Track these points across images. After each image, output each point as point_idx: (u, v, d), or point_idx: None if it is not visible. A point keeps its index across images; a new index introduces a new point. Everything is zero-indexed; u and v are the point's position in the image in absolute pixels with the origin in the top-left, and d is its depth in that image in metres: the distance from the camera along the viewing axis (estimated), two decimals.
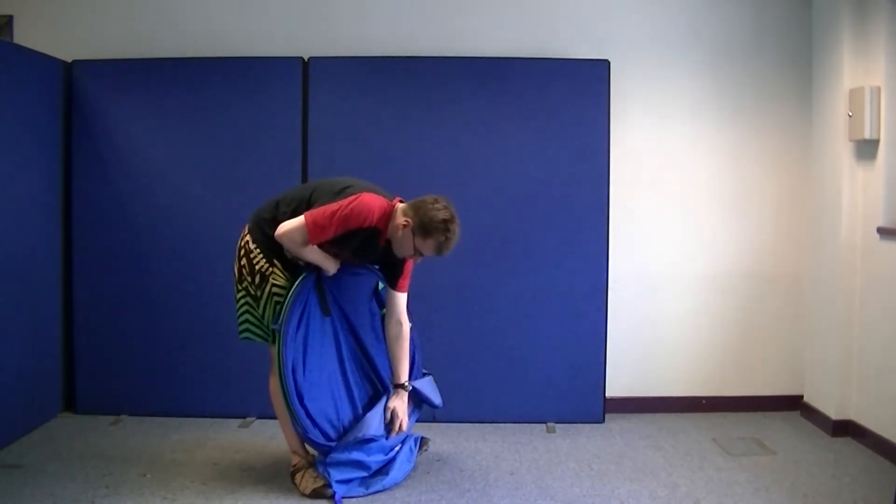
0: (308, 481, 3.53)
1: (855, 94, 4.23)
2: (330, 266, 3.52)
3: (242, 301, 3.56)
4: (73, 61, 4.58)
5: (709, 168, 4.80)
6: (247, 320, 3.58)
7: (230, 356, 4.54)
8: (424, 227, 3.35)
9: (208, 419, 4.52)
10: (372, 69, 4.58)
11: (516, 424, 4.52)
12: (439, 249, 3.38)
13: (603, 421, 4.59)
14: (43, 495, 3.46)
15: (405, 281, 3.65)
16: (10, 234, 4.09)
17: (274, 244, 3.47)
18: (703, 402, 4.80)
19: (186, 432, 4.35)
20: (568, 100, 4.54)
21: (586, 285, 4.55)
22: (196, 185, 4.57)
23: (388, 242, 3.47)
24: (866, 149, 4.27)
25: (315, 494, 3.49)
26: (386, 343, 3.72)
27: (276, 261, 3.50)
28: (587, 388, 4.58)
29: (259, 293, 3.51)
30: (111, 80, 4.57)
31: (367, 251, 3.51)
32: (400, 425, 3.64)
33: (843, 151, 4.35)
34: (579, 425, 4.52)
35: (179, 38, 4.73)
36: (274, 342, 3.50)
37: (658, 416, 4.71)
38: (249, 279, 3.52)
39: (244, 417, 4.58)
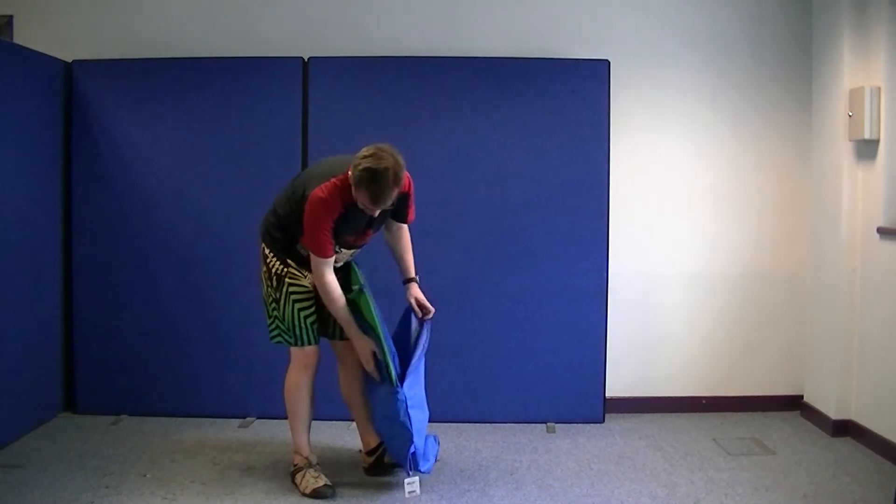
0: (308, 481, 3.53)
1: (855, 94, 4.23)
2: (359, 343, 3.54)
3: (272, 307, 3.60)
4: (73, 61, 4.58)
5: (709, 168, 4.80)
6: (277, 326, 3.60)
7: (230, 356, 4.55)
8: (354, 182, 3.29)
9: (208, 419, 4.52)
10: (372, 69, 4.58)
11: (516, 424, 4.51)
12: (373, 198, 3.28)
13: (603, 421, 4.59)
14: (43, 495, 3.46)
15: (412, 214, 3.70)
16: (11, 235, 4.09)
17: (283, 245, 3.55)
18: (703, 402, 4.80)
19: (186, 432, 4.35)
20: (568, 100, 4.54)
21: (586, 285, 4.54)
22: (196, 185, 4.57)
23: None
24: (866, 149, 4.27)
25: (315, 494, 3.49)
26: (391, 248, 3.76)
27: (289, 260, 3.55)
28: (587, 388, 4.58)
29: (278, 295, 3.56)
30: (111, 80, 4.57)
31: (365, 219, 3.49)
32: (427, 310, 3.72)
33: (843, 151, 4.35)
34: (579, 425, 4.52)
35: (179, 38, 4.73)
36: (311, 340, 3.57)
37: (658, 416, 4.71)
38: (269, 283, 3.58)
39: (244, 417, 4.58)
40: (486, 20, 4.75)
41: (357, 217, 3.45)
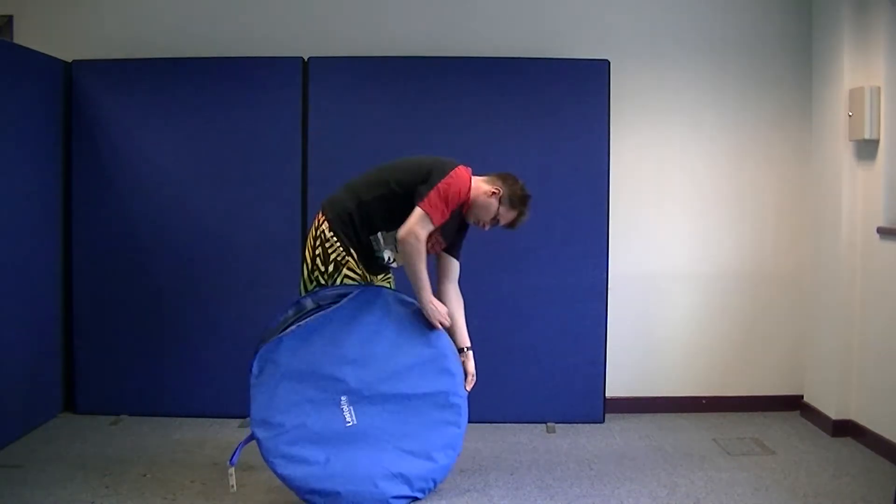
0: None
1: (855, 94, 4.23)
2: (436, 314, 3.56)
3: (313, 290, 3.50)
4: (73, 61, 4.58)
5: (709, 168, 4.80)
6: None
7: (230, 356, 4.54)
8: (513, 199, 3.51)
9: (208, 419, 4.52)
10: (372, 69, 4.58)
11: (516, 424, 4.51)
12: (517, 221, 3.58)
13: (603, 421, 4.59)
14: (43, 495, 3.46)
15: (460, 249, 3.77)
16: (10, 234, 4.09)
17: (354, 232, 3.44)
18: (703, 402, 4.80)
19: (186, 432, 4.35)
20: (568, 100, 4.54)
21: (586, 285, 4.54)
22: (196, 185, 4.57)
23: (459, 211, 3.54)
24: (866, 149, 4.27)
25: None
26: (448, 305, 3.69)
27: (353, 251, 3.46)
28: (587, 388, 4.58)
29: (331, 282, 3.47)
30: (111, 80, 4.57)
31: (454, 230, 3.58)
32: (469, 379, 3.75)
33: (843, 151, 4.35)
34: (579, 425, 4.52)
35: (179, 38, 4.73)
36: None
37: (658, 416, 4.71)
38: (322, 268, 3.46)
39: (244, 417, 4.56)
40: (486, 20, 4.75)
41: (451, 221, 3.50)
